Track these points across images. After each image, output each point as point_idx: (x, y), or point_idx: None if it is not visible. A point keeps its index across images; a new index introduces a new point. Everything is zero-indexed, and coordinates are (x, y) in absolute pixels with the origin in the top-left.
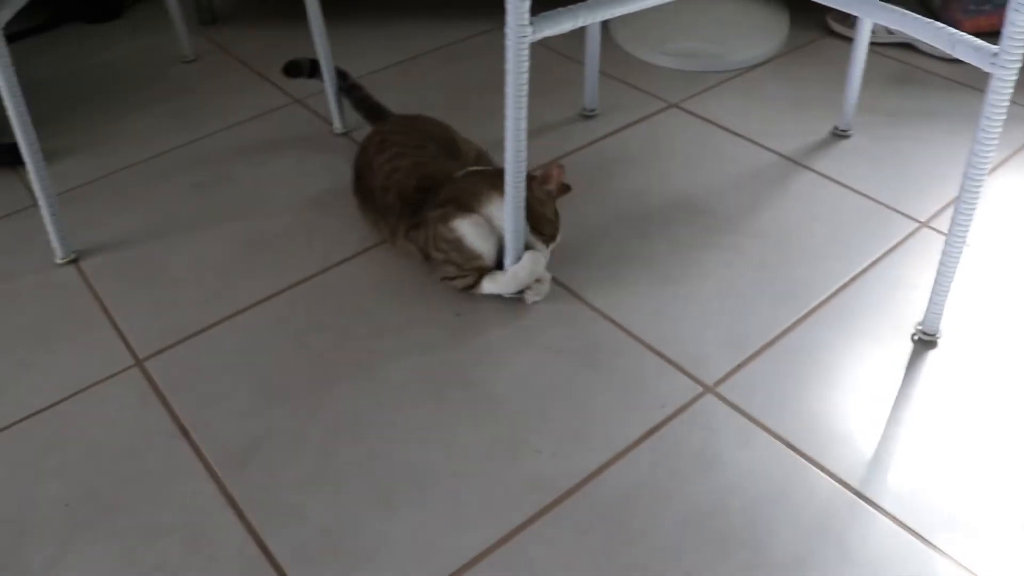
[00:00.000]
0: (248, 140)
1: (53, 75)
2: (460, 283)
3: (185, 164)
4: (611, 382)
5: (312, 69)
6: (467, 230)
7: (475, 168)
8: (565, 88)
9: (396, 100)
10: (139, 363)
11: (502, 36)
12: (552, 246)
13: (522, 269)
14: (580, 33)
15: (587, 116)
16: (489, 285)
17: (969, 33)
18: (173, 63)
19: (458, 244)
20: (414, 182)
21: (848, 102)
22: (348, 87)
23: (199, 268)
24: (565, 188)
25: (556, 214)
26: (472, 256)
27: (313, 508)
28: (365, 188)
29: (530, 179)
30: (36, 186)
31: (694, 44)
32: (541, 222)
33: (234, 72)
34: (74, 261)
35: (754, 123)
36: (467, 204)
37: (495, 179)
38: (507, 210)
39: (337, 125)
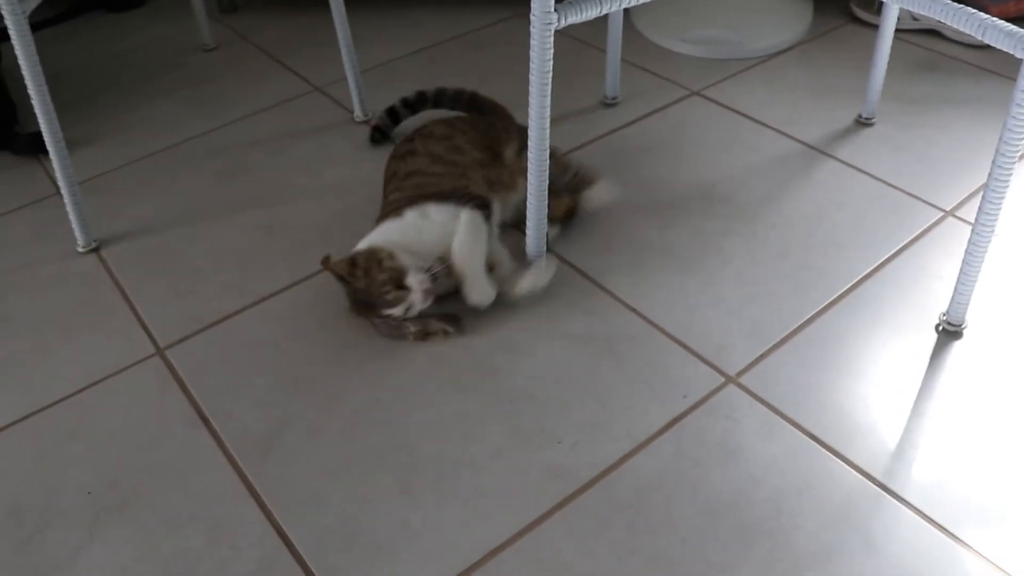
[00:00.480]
0: (269, 128)
1: (75, 64)
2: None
3: (206, 152)
4: (632, 372)
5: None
6: (416, 297)
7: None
8: (587, 76)
9: (419, 87)
10: (160, 352)
11: (524, 23)
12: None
13: (531, 272)
14: (601, 21)
15: (608, 104)
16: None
17: None
18: (194, 51)
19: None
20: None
21: (872, 89)
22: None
23: (220, 256)
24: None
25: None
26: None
27: (334, 497)
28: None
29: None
30: (59, 175)
31: (716, 32)
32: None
33: (254, 60)
34: (95, 250)
35: (777, 111)
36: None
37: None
38: (530, 198)
39: (358, 113)
